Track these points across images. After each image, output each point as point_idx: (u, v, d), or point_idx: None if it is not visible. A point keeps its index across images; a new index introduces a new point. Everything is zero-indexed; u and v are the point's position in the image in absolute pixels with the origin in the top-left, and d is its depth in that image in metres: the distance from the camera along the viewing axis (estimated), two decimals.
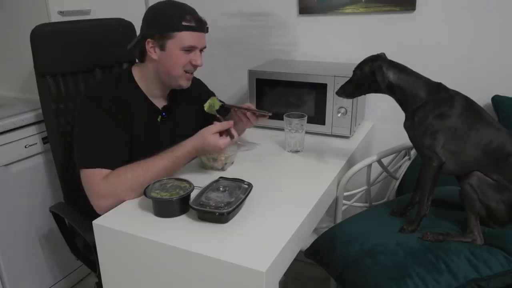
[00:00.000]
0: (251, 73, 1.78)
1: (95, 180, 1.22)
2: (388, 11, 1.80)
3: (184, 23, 1.29)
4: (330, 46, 1.95)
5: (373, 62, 1.22)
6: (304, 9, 1.95)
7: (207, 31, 1.37)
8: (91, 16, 1.88)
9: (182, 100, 1.49)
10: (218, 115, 1.37)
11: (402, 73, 1.21)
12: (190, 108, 1.51)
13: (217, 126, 1.28)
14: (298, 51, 2.04)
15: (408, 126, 1.22)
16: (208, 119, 1.46)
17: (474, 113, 1.18)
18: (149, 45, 1.31)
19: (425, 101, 1.19)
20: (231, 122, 1.30)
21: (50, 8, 1.76)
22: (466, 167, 1.18)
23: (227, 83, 2.18)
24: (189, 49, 1.32)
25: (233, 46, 2.17)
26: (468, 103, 1.20)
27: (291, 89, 1.73)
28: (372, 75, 1.21)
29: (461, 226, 1.22)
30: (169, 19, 1.29)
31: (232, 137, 1.29)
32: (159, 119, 1.42)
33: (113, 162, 1.24)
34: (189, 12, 1.32)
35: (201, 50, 1.37)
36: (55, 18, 1.77)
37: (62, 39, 1.52)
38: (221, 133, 1.29)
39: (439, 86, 1.21)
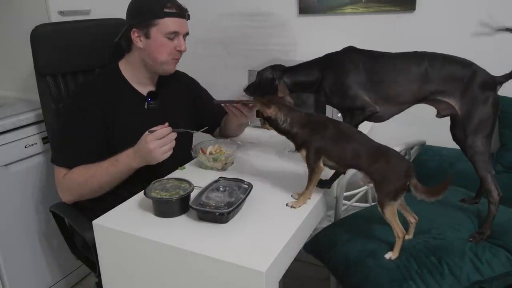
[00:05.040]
0: (251, 73, 1.78)
1: (58, 177, 1.35)
2: (388, 11, 1.80)
3: (165, 10, 1.33)
4: (330, 46, 1.94)
5: (273, 70, 1.32)
6: (304, 9, 1.96)
7: (188, 18, 1.41)
8: (91, 16, 1.89)
9: (170, 88, 1.52)
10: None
11: (293, 72, 1.30)
12: (179, 97, 1.55)
13: (158, 129, 1.22)
14: (298, 51, 2.04)
15: (324, 99, 1.28)
16: (200, 114, 1.47)
17: (369, 52, 1.24)
18: (134, 34, 1.37)
19: (323, 75, 1.25)
20: (168, 126, 1.24)
21: (50, 8, 1.77)
22: (406, 102, 1.21)
23: (227, 83, 2.18)
24: (173, 35, 1.36)
25: (233, 46, 2.17)
26: (360, 51, 1.25)
27: None
28: (270, 81, 1.31)
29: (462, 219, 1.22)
30: (151, 7, 1.34)
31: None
32: (146, 106, 1.44)
33: (78, 161, 1.33)
34: (169, 0, 1.36)
35: (184, 37, 1.41)
36: (55, 18, 1.77)
37: (62, 39, 1.53)
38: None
39: (326, 57, 1.29)
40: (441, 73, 1.16)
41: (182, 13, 1.38)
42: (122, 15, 1.69)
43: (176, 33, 1.36)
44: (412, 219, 1.13)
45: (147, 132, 1.23)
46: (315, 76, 1.28)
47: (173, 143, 1.25)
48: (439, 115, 1.23)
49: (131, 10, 1.39)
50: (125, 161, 1.28)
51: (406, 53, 1.21)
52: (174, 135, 1.25)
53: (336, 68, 1.25)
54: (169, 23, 1.34)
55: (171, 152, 1.25)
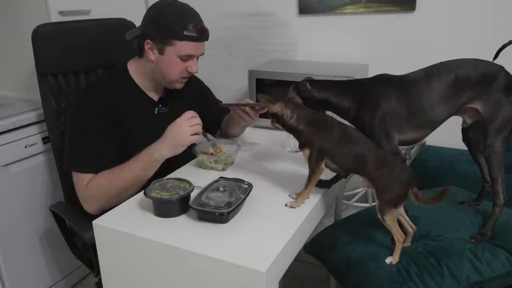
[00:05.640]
0: (251, 73, 1.78)
1: (81, 185, 1.30)
2: (388, 11, 1.80)
3: (185, 33, 1.27)
4: (330, 46, 1.95)
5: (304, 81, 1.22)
6: (304, 9, 1.96)
7: (207, 39, 1.35)
8: (91, 16, 1.89)
9: (180, 94, 1.50)
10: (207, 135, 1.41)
11: (323, 88, 1.20)
12: (188, 101, 1.53)
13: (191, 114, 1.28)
14: (298, 51, 2.04)
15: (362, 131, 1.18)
16: (203, 112, 1.48)
17: (401, 80, 1.16)
18: (147, 45, 1.31)
19: (356, 107, 1.16)
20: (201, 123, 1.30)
21: (50, 8, 1.76)
22: (442, 120, 1.16)
23: (227, 83, 2.18)
24: (187, 57, 1.32)
25: (233, 46, 2.17)
26: (392, 79, 1.17)
27: None
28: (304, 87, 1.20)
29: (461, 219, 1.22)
30: (171, 25, 1.27)
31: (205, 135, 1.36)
32: (156, 112, 1.43)
33: (98, 166, 1.29)
34: (192, 20, 1.29)
35: (198, 57, 1.37)
36: (55, 18, 1.77)
37: (63, 39, 1.53)
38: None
39: (356, 85, 1.20)
40: (471, 80, 1.13)
41: (202, 37, 1.31)
42: (122, 15, 1.70)
43: (190, 56, 1.33)
44: (409, 228, 1.13)
45: (181, 118, 1.27)
46: (346, 105, 1.18)
47: (200, 126, 1.28)
48: (465, 124, 1.21)
49: (150, 18, 1.31)
50: (148, 152, 1.27)
51: (432, 69, 1.15)
52: (199, 120, 1.29)
53: (371, 107, 1.15)
54: (186, 47, 1.29)
55: (198, 137, 1.28)
